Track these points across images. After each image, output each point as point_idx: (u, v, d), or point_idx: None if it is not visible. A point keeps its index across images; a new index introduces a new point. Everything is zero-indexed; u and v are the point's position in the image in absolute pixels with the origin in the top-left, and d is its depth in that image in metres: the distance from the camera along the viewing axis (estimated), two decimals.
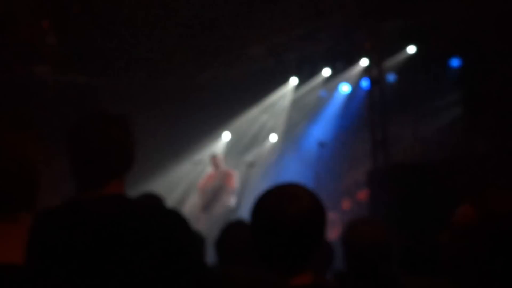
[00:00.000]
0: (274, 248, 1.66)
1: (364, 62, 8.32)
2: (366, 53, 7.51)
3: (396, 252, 2.49)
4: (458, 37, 7.39)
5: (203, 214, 8.75)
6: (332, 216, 8.06)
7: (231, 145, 10.34)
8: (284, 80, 9.65)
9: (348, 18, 7.99)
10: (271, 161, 10.17)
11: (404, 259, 2.78)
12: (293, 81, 9.62)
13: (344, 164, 9.38)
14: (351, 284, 2.41)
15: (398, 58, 8.48)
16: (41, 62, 8.38)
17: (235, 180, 8.76)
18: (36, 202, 1.49)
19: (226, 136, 10.32)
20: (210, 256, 3.11)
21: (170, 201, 9.35)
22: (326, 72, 9.22)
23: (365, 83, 8.31)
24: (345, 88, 9.38)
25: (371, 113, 7.05)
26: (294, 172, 9.30)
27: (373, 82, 7.16)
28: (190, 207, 9.17)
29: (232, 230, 3.09)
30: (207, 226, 8.36)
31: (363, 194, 8.10)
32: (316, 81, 9.44)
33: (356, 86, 9.12)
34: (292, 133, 10.12)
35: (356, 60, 8.73)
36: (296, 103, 9.86)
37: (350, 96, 9.39)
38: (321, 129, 9.62)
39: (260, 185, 8.76)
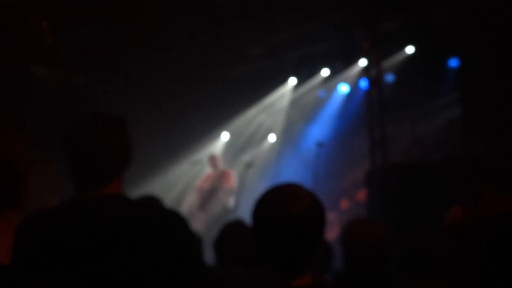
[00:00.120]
0: (275, 248, 1.67)
1: (362, 62, 8.32)
2: (364, 53, 7.51)
3: (395, 252, 2.49)
4: (456, 38, 7.39)
5: (201, 213, 8.74)
6: (330, 216, 8.07)
7: (229, 145, 10.35)
8: (283, 80, 9.66)
9: (347, 18, 8.00)
10: (270, 161, 10.18)
11: (402, 259, 2.79)
12: (292, 81, 9.63)
13: (342, 164, 9.39)
14: (349, 284, 2.41)
15: (397, 58, 8.49)
16: (39, 62, 8.38)
17: (233, 179, 8.75)
18: (24, 202, 1.49)
19: (224, 136, 10.32)
20: (209, 256, 3.11)
21: (169, 201, 9.35)
22: (325, 72, 9.24)
23: (363, 83, 8.32)
24: (343, 88, 9.39)
25: (369, 113, 7.05)
26: (292, 172, 9.30)
27: (372, 82, 7.16)
28: (188, 207, 9.17)
29: (231, 230, 3.09)
30: (205, 226, 8.37)
31: (361, 195, 8.10)
32: (314, 81, 9.45)
33: (354, 86, 9.13)
34: (290, 133, 10.13)
35: (354, 60, 8.74)
36: (295, 103, 9.87)
37: (349, 96, 9.41)
38: (320, 129, 9.63)
39: (258, 185, 8.77)
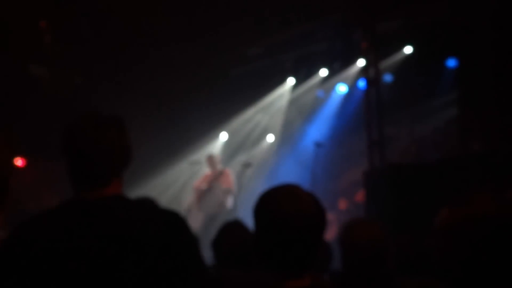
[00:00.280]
0: (276, 249, 1.67)
1: (361, 62, 8.33)
2: (363, 54, 7.52)
3: (392, 252, 2.50)
4: (455, 38, 7.40)
5: (199, 213, 8.74)
6: (328, 216, 8.05)
7: (228, 145, 10.35)
8: (281, 80, 9.66)
9: (345, 18, 8.01)
10: (268, 161, 10.18)
11: (400, 259, 2.80)
12: (290, 81, 9.63)
13: (340, 164, 9.40)
14: (347, 284, 2.42)
15: (395, 58, 8.50)
16: (38, 62, 8.38)
17: (231, 179, 8.75)
18: (6, 203, 1.49)
19: (223, 136, 10.33)
20: (207, 256, 3.11)
21: (167, 201, 9.36)
22: (323, 72, 9.24)
23: (361, 84, 8.33)
24: (342, 89, 9.39)
25: (367, 113, 7.06)
26: (290, 172, 9.30)
27: (370, 83, 7.17)
28: (186, 207, 9.17)
29: (229, 231, 3.10)
30: (203, 226, 8.37)
31: (360, 195, 8.11)
32: (313, 81, 9.45)
33: (353, 87, 9.14)
34: (289, 133, 10.13)
35: (353, 60, 8.74)
36: (293, 103, 9.87)
37: (347, 96, 9.41)
38: (318, 129, 9.63)
39: (257, 185, 8.78)
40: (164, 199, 9.47)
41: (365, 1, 7.20)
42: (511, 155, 5.35)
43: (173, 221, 1.79)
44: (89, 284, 1.67)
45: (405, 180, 5.46)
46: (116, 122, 1.84)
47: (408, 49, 8.35)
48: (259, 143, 10.37)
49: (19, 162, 9.27)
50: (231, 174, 8.86)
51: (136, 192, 7.85)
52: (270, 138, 10.33)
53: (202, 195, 8.83)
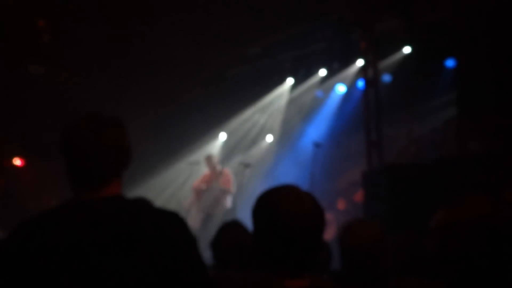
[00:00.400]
0: (275, 249, 1.68)
1: (359, 62, 8.34)
2: (361, 54, 7.53)
3: (390, 252, 2.51)
4: (453, 38, 7.41)
5: (198, 213, 8.75)
6: (327, 216, 8.06)
7: (227, 145, 10.36)
8: (280, 80, 9.67)
9: (344, 18, 8.02)
10: (267, 161, 10.19)
11: (398, 259, 2.80)
12: (289, 81, 9.64)
13: (339, 164, 9.41)
14: (346, 284, 2.43)
15: (394, 58, 8.50)
16: (36, 61, 8.38)
17: (230, 180, 8.76)
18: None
19: (222, 136, 10.33)
20: (206, 256, 3.12)
21: (166, 201, 9.36)
22: (322, 72, 9.25)
23: (360, 84, 8.33)
24: (341, 89, 9.40)
25: (366, 114, 7.07)
26: (289, 172, 9.31)
27: (369, 83, 7.18)
28: (185, 207, 9.18)
29: (228, 231, 3.11)
30: (202, 226, 8.38)
31: (358, 195, 8.12)
32: (312, 81, 9.46)
33: (352, 87, 9.14)
34: (288, 133, 10.14)
35: (352, 60, 8.75)
36: (292, 103, 9.88)
37: (346, 97, 9.42)
38: (317, 129, 9.64)
39: (256, 185, 8.79)
40: (163, 199, 9.49)
41: (364, 2, 7.22)
42: (509, 156, 5.36)
43: (172, 221, 1.80)
44: (88, 284, 1.67)
45: (404, 180, 5.47)
46: (116, 123, 1.84)
47: (406, 49, 8.35)
48: (258, 143, 10.38)
49: (18, 162, 9.28)
50: (230, 174, 8.87)
51: (135, 192, 7.85)
52: (269, 138, 10.33)
53: (201, 195, 8.83)
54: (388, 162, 7.01)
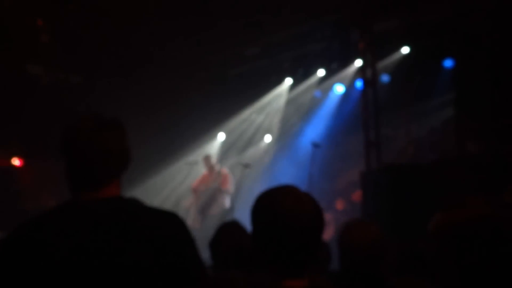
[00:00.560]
0: (274, 249, 1.68)
1: (358, 62, 8.35)
2: (360, 54, 7.54)
3: (389, 253, 2.51)
4: (451, 38, 7.42)
5: (198, 215, 8.75)
6: (326, 217, 8.07)
7: (226, 145, 10.36)
8: (279, 80, 9.67)
9: (343, 19, 8.02)
10: (266, 161, 10.19)
11: (397, 259, 2.81)
12: (288, 81, 9.64)
13: (338, 164, 9.41)
14: (346, 284, 2.43)
15: (392, 59, 8.51)
16: (35, 61, 8.37)
17: (229, 180, 8.76)
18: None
19: (221, 136, 10.33)
20: (205, 256, 3.12)
21: (165, 201, 9.36)
22: (321, 72, 9.25)
23: (359, 84, 8.34)
24: (339, 89, 9.40)
25: (364, 114, 7.08)
26: (288, 172, 9.32)
27: (367, 83, 7.19)
28: (184, 208, 9.18)
29: (227, 231, 3.11)
30: (201, 226, 8.38)
31: (357, 195, 8.13)
32: (310, 81, 9.46)
33: (350, 87, 9.15)
34: (286, 134, 10.14)
35: (350, 60, 8.76)
36: (291, 104, 9.88)
37: (344, 97, 9.42)
38: (315, 129, 9.64)
39: (254, 185, 8.79)
40: (162, 199, 9.49)
41: (363, 2, 7.22)
42: (507, 156, 5.37)
43: (171, 222, 1.81)
44: (87, 284, 1.68)
45: (402, 181, 5.47)
46: (116, 124, 1.85)
47: (405, 50, 8.36)
48: (257, 143, 10.38)
49: (16, 162, 9.27)
50: (228, 174, 8.87)
51: (135, 192, 7.85)
52: (268, 138, 10.34)
53: (200, 195, 8.83)
54: (387, 162, 7.02)
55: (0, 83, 7.92)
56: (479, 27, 6.73)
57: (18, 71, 8.24)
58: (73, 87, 8.90)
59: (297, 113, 10.02)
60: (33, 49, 7.83)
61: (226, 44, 8.30)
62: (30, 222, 1.76)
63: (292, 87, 9.70)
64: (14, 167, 9.27)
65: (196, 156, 9.72)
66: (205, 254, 3.10)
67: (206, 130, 10.00)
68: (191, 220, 8.47)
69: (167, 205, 9.07)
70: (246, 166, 8.91)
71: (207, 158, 9.08)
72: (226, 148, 10.33)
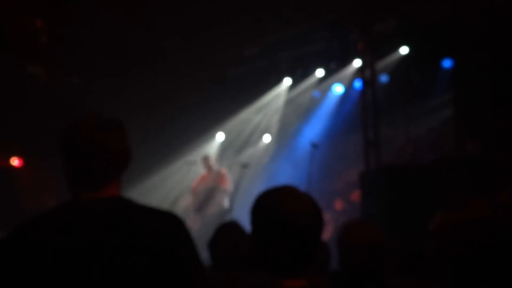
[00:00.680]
0: (274, 249, 1.68)
1: (357, 63, 8.35)
2: (359, 54, 7.54)
3: (388, 252, 2.51)
4: (450, 39, 7.43)
5: (197, 214, 8.75)
6: (325, 217, 8.06)
7: (225, 145, 10.36)
8: (278, 80, 9.67)
9: (341, 19, 8.03)
10: (264, 161, 10.19)
11: (396, 260, 2.81)
12: (287, 81, 9.65)
13: (336, 164, 9.41)
14: (345, 284, 2.44)
15: (391, 59, 8.51)
16: (34, 61, 8.37)
17: (228, 180, 8.76)
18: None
19: (219, 136, 10.33)
20: (204, 257, 3.12)
21: (164, 201, 9.36)
22: (320, 72, 9.25)
23: (358, 84, 8.35)
24: (338, 89, 9.40)
25: (363, 114, 7.08)
26: (286, 172, 9.32)
27: (366, 83, 7.19)
28: (183, 208, 9.18)
29: (225, 232, 3.11)
30: (200, 227, 8.37)
31: (355, 195, 8.13)
32: (309, 81, 9.47)
33: (349, 87, 9.15)
34: (285, 134, 10.14)
35: (349, 61, 8.76)
36: (290, 104, 9.89)
37: (343, 97, 9.42)
38: (314, 130, 9.65)
39: (253, 185, 8.78)
40: (161, 199, 9.48)
41: (361, 2, 7.23)
42: (506, 156, 5.37)
43: (171, 222, 1.81)
44: (86, 284, 1.68)
45: (401, 181, 5.47)
46: (117, 124, 1.85)
47: (404, 50, 8.36)
48: (256, 143, 10.38)
49: (15, 162, 9.27)
50: (227, 174, 8.87)
51: (134, 192, 7.85)
52: (267, 138, 10.34)
53: (200, 195, 8.83)
54: (385, 163, 7.02)
55: (0, 84, 7.92)
56: (478, 27, 6.74)
57: (17, 72, 8.24)
58: (72, 87, 8.90)
59: (296, 113, 10.02)
60: (33, 50, 7.83)
61: (225, 44, 8.30)
62: (29, 222, 1.76)
63: (291, 87, 9.70)
64: (13, 167, 9.27)
65: (195, 156, 9.72)
66: (203, 254, 3.11)
67: (205, 130, 10.00)
68: (190, 220, 8.47)
69: (166, 205, 9.07)
70: (245, 166, 8.91)
71: (205, 159, 9.08)
72: (225, 148, 10.33)
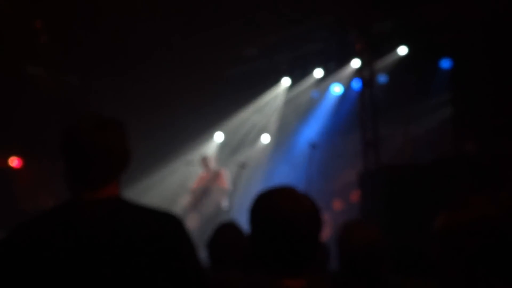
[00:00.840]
0: (273, 249, 1.68)
1: (355, 63, 8.35)
2: (357, 54, 7.55)
3: (388, 252, 2.52)
4: (449, 39, 7.43)
5: (195, 213, 8.75)
6: (324, 217, 8.07)
7: (223, 145, 10.36)
8: (276, 80, 9.67)
9: (340, 19, 8.03)
10: (263, 161, 10.19)
11: (395, 260, 2.81)
12: (285, 81, 9.65)
13: (335, 164, 9.41)
14: (344, 284, 2.44)
15: (389, 59, 8.51)
16: (34, 62, 8.37)
17: (227, 179, 8.76)
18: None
19: (218, 136, 10.33)
20: (202, 257, 3.12)
21: (163, 201, 9.35)
22: (318, 73, 9.25)
23: (356, 84, 8.35)
24: (336, 89, 9.41)
25: (362, 114, 7.09)
26: (285, 172, 9.32)
27: (364, 83, 7.20)
28: (182, 208, 9.18)
29: (224, 232, 3.11)
30: (199, 226, 8.37)
31: (354, 195, 8.13)
32: (308, 81, 9.47)
33: (347, 87, 9.15)
34: (284, 134, 10.14)
35: (347, 61, 8.76)
36: (288, 104, 9.89)
37: (342, 97, 9.42)
38: (313, 130, 9.65)
39: (252, 186, 8.78)
40: (160, 199, 9.48)
41: (360, 2, 7.23)
42: (504, 156, 5.38)
43: (170, 223, 1.81)
44: (85, 285, 1.68)
45: (400, 181, 5.47)
46: (117, 124, 1.85)
47: (402, 50, 8.36)
48: (254, 144, 10.38)
49: (15, 162, 9.26)
50: (226, 174, 8.87)
51: (133, 192, 7.84)
52: (265, 138, 10.34)
53: (198, 195, 8.83)
54: (384, 163, 7.03)
55: (0, 84, 7.92)
56: (477, 27, 6.74)
57: (17, 72, 8.23)
58: (72, 87, 8.90)
59: (295, 113, 10.02)
60: (32, 50, 7.83)
61: (224, 44, 8.30)
62: (28, 223, 1.76)
63: (290, 87, 9.70)
64: (12, 167, 9.26)
65: (194, 156, 9.72)
66: (202, 254, 3.11)
67: (204, 130, 10.00)
68: (189, 220, 8.46)
69: (165, 205, 9.06)
70: (243, 166, 8.91)
71: (204, 159, 9.08)
72: (223, 148, 10.33)
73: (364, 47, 7.26)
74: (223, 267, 2.97)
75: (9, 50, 7.57)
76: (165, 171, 9.91)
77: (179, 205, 9.39)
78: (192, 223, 8.41)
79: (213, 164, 9.08)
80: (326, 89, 9.51)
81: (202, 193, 8.76)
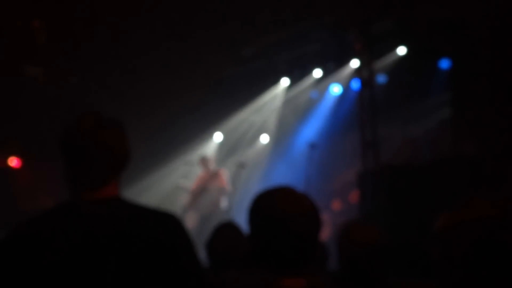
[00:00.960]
0: (273, 249, 1.68)
1: (354, 63, 8.35)
2: (356, 54, 7.55)
3: (388, 253, 2.52)
4: (448, 39, 7.44)
5: (193, 213, 8.75)
6: (323, 217, 8.07)
7: (222, 145, 10.36)
8: (275, 81, 9.68)
9: (339, 19, 8.03)
10: (262, 161, 10.19)
11: (395, 260, 2.81)
12: (284, 82, 9.65)
13: (334, 164, 9.41)
14: (344, 284, 2.44)
15: (389, 59, 8.51)
16: (32, 62, 8.37)
17: (226, 179, 8.76)
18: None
19: (217, 136, 10.34)
20: (201, 257, 3.12)
21: (162, 201, 9.35)
22: (317, 73, 9.25)
23: (355, 84, 8.35)
24: (335, 89, 9.41)
25: (361, 114, 7.09)
26: (284, 172, 9.32)
27: (364, 83, 7.20)
28: (181, 208, 9.17)
29: (223, 232, 3.11)
30: (198, 226, 8.37)
31: (353, 195, 8.13)
32: (307, 82, 9.47)
33: (347, 87, 9.16)
34: (283, 134, 10.15)
35: (346, 61, 8.76)
36: (287, 104, 9.89)
37: (341, 97, 9.43)
38: (312, 130, 9.65)
39: (251, 186, 8.78)
40: (159, 199, 9.48)
41: (359, 2, 7.23)
42: (504, 156, 5.38)
43: (170, 223, 1.80)
44: (83, 285, 1.68)
45: (399, 181, 5.48)
46: (116, 124, 1.85)
47: (401, 50, 8.36)
48: (253, 144, 10.38)
49: (14, 162, 9.26)
50: (225, 174, 8.87)
51: (131, 192, 7.84)
52: (264, 138, 10.34)
53: (197, 195, 8.83)
54: (383, 163, 7.03)
55: None
56: (476, 27, 6.74)
57: (15, 72, 8.23)
58: (70, 87, 8.89)
59: (294, 113, 10.02)
60: (31, 50, 7.83)
61: (223, 44, 8.30)
62: (27, 223, 1.76)
63: (289, 87, 9.70)
64: (11, 167, 9.26)
65: (193, 156, 9.72)
66: (201, 254, 3.10)
67: (203, 130, 9.99)
68: (188, 220, 8.46)
69: (164, 205, 9.06)
70: (242, 166, 8.91)
71: (203, 159, 9.08)
72: (222, 148, 10.33)
73: (363, 47, 7.26)
74: (222, 267, 2.97)
75: (8, 50, 7.56)
76: (164, 171, 9.91)
77: (179, 205, 9.38)
78: (191, 223, 8.41)
79: (212, 164, 9.07)
80: (325, 89, 9.51)
81: (201, 193, 8.76)
